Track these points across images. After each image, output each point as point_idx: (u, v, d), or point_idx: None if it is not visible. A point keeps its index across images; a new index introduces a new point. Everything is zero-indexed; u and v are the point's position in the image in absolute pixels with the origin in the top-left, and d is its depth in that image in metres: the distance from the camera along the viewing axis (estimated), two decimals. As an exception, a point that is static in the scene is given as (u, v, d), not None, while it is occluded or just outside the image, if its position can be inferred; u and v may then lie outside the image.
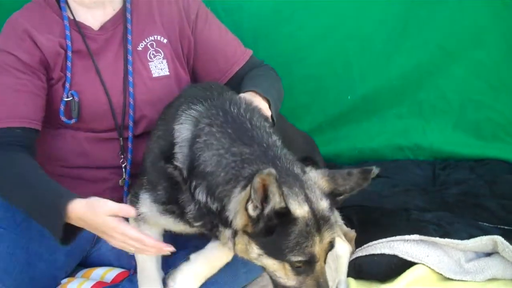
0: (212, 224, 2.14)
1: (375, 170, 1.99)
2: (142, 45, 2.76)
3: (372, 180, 3.72)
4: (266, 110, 2.47)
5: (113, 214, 2.09)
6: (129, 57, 2.70)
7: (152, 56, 2.76)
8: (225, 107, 2.23)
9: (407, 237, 3.05)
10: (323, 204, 2.00)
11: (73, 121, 2.63)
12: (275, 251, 1.98)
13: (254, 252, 2.02)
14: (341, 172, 2.06)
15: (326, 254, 2.04)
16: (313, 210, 1.96)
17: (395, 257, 2.99)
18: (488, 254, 3.07)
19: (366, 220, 3.30)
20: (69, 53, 2.60)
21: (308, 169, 2.12)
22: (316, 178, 2.06)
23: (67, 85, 2.60)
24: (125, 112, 2.70)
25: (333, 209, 2.06)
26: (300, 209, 1.94)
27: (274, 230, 1.94)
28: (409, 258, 2.98)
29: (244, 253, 2.07)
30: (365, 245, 3.13)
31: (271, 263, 2.03)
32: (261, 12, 3.58)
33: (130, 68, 2.70)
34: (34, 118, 2.54)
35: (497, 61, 3.73)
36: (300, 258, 1.95)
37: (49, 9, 2.66)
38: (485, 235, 3.05)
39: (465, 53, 3.76)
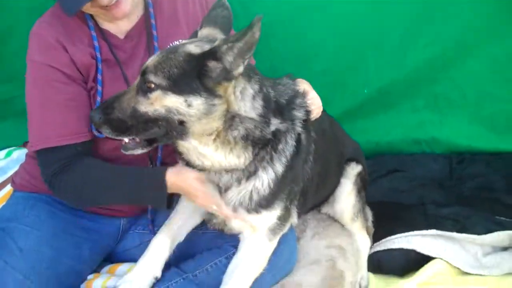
0: None
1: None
2: None
3: (389, 175, 3.83)
4: None
5: (197, 178, 2.32)
6: None
7: None
8: None
9: (424, 232, 3.12)
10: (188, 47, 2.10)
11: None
12: None
13: None
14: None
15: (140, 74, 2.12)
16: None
17: (413, 251, 3.06)
18: (505, 249, 3.12)
19: (384, 215, 3.33)
20: (100, 65, 2.56)
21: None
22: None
23: (99, 98, 2.56)
24: None
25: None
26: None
27: None
28: (426, 253, 3.04)
29: None
30: (383, 240, 3.19)
31: None
32: (275, 6, 3.58)
33: None
34: (88, 129, 2.56)
35: (513, 54, 3.72)
36: None
37: (75, 18, 2.54)
38: (502, 229, 3.11)
39: (480, 47, 3.73)
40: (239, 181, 2.27)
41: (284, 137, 2.27)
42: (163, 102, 2.02)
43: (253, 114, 2.12)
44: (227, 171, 2.25)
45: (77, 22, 2.56)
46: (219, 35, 2.28)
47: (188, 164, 2.31)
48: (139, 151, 2.20)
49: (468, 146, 3.95)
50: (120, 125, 2.08)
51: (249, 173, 2.25)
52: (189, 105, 2.01)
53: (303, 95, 2.45)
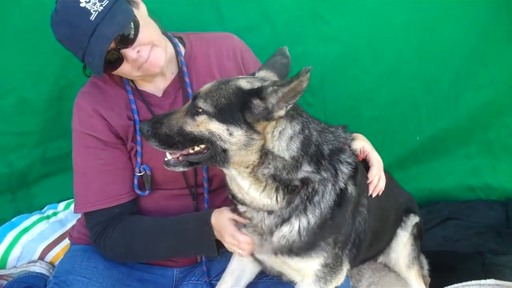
0: None
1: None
2: None
3: (443, 223, 3.77)
4: None
5: (231, 219, 2.46)
6: None
7: None
8: None
9: (483, 281, 3.04)
10: (240, 81, 2.22)
11: (146, 192, 2.76)
12: None
13: None
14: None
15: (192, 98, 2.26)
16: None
17: (472, 302, 2.97)
18: None
19: (439, 265, 3.28)
20: (138, 127, 2.65)
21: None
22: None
23: (139, 159, 2.71)
24: (197, 174, 2.79)
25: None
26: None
27: None
28: (486, 303, 2.96)
29: None
30: (440, 290, 3.11)
31: None
32: (327, 57, 3.60)
33: None
34: (126, 191, 2.72)
35: None
36: None
37: (112, 83, 2.72)
38: None
39: (533, 90, 3.69)
40: (276, 226, 2.34)
41: (322, 190, 2.32)
42: (207, 127, 2.16)
43: (285, 154, 2.19)
44: (267, 212, 2.32)
45: (114, 88, 2.73)
46: (273, 78, 2.37)
47: (234, 197, 2.39)
48: (180, 169, 2.29)
49: (525, 192, 3.86)
50: (167, 140, 2.22)
51: (283, 219, 2.32)
52: (230, 134, 2.13)
53: (354, 152, 2.50)
